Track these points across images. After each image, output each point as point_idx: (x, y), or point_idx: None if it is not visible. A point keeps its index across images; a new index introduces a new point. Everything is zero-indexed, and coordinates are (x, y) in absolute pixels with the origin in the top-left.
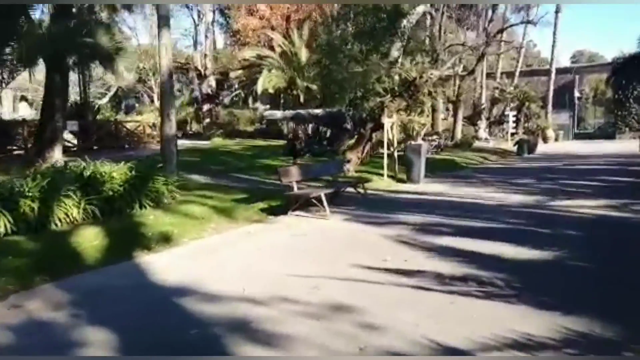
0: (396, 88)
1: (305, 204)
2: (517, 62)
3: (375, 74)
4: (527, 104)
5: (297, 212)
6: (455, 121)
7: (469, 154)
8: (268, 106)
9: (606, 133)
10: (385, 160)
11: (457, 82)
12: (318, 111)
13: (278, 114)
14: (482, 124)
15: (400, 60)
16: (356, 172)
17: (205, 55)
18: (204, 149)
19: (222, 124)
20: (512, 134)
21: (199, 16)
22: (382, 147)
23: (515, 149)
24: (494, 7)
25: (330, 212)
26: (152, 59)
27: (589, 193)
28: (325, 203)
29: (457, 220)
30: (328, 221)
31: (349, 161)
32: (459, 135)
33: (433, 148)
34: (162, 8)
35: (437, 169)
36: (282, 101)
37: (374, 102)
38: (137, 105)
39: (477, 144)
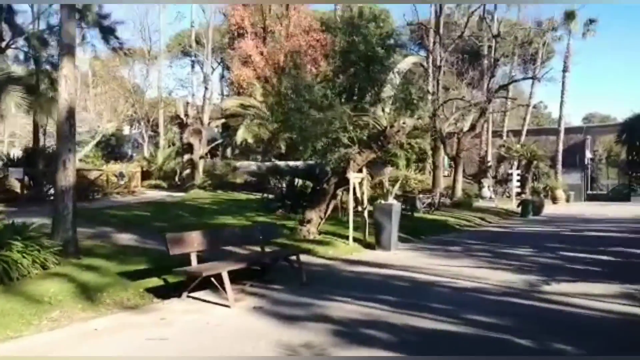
0: (364, 138)
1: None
2: (524, 120)
3: (340, 122)
4: (535, 162)
5: (197, 294)
6: (455, 179)
7: (467, 214)
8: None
9: (620, 195)
10: (351, 222)
11: (458, 138)
12: (298, 163)
13: (253, 165)
14: (486, 182)
15: (370, 108)
16: (320, 234)
17: (187, 103)
18: (168, 202)
19: (219, 176)
20: (518, 194)
21: (192, 66)
22: (358, 204)
23: (519, 210)
24: (496, 63)
25: (245, 294)
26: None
27: (598, 272)
28: (227, 285)
29: (405, 315)
30: (229, 311)
31: (308, 221)
32: (459, 193)
33: (425, 207)
34: (65, 35)
35: (424, 231)
36: (263, 153)
37: (338, 153)
38: (129, 152)
39: (479, 203)
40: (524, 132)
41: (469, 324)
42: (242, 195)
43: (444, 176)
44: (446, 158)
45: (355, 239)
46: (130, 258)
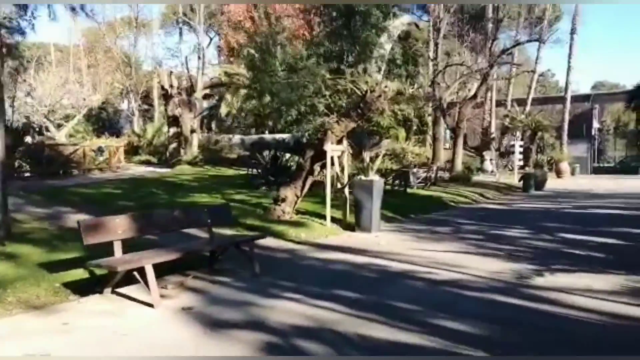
0: (343, 105)
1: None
2: (530, 88)
3: (314, 86)
4: (539, 133)
5: (125, 289)
6: (455, 151)
7: (465, 189)
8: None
9: (628, 167)
10: (329, 201)
11: (459, 107)
12: (285, 136)
13: (236, 138)
14: (488, 155)
15: (351, 70)
16: (297, 213)
17: (171, 72)
18: (147, 178)
19: (214, 151)
20: (521, 167)
21: (180, 34)
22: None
23: (521, 184)
24: (498, 25)
25: (181, 289)
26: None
27: (600, 259)
28: (151, 281)
29: (360, 319)
30: (151, 314)
31: (283, 200)
32: (459, 167)
33: (420, 182)
34: None
35: (414, 209)
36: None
37: (314, 123)
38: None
39: (480, 177)
40: (529, 101)
41: (435, 333)
42: (231, 171)
43: (445, 149)
44: (448, 130)
45: (335, 220)
46: (66, 244)
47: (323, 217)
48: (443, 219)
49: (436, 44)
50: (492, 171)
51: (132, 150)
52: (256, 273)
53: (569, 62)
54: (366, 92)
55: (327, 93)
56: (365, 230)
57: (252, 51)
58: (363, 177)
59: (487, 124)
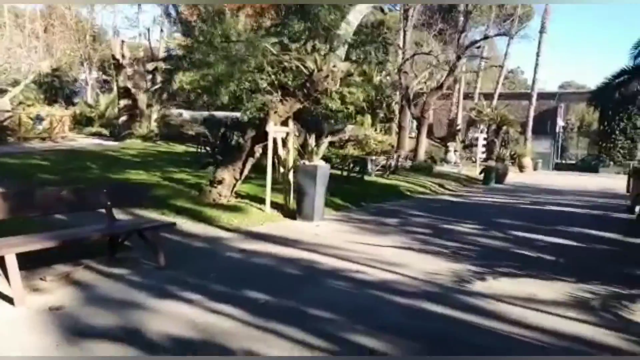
0: (289, 83)
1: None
2: (497, 82)
3: (256, 61)
4: (504, 128)
5: None
6: (418, 140)
7: (425, 179)
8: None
9: (589, 165)
10: (269, 186)
11: (425, 97)
12: (238, 114)
13: (186, 114)
14: (452, 146)
15: (294, 45)
16: (237, 196)
17: (123, 42)
18: (87, 151)
19: (174, 126)
20: (485, 160)
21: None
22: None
23: (482, 177)
24: (468, 17)
25: (64, 282)
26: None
27: (550, 263)
28: (13, 275)
29: (260, 330)
30: (9, 314)
31: (219, 182)
32: (422, 156)
33: (379, 169)
34: None
35: (367, 198)
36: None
37: (256, 101)
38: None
39: (443, 168)
40: (496, 96)
41: (342, 351)
42: (182, 148)
43: (411, 138)
44: (413, 119)
45: (277, 206)
46: None
47: (263, 203)
48: (395, 209)
49: (404, 32)
50: (455, 162)
51: (84, 122)
52: (161, 265)
53: (536, 59)
54: (313, 71)
55: (270, 69)
56: (307, 218)
57: (190, 19)
58: (307, 162)
59: (454, 116)
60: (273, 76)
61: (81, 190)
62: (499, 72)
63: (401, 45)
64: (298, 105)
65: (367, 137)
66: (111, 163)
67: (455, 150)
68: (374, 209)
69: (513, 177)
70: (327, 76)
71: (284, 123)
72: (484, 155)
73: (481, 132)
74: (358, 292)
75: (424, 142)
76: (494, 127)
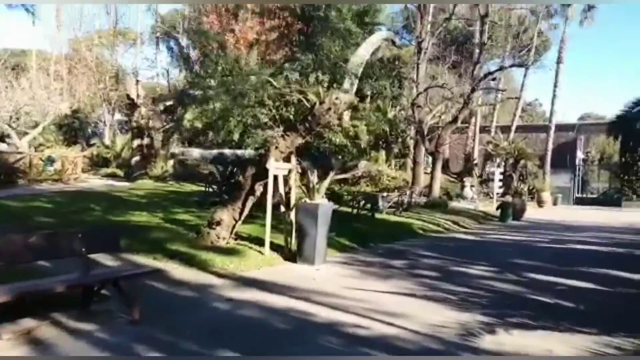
0: (292, 117)
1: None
2: (514, 115)
3: (256, 94)
4: (522, 161)
5: None
6: (432, 176)
7: (439, 216)
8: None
9: (611, 199)
10: (268, 226)
11: (439, 131)
12: (246, 152)
13: (195, 153)
14: (469, 181)
15: (294, 77)
16: (237, 238)
17: (137, 81)
18: (95, 192)
19: (191, 165)
20: (503, 195)
21: (157, 43)
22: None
23: (499, 212)
24: (482, 48)
25: (21, 340)
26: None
27: (569, 311)
28: None
29: None
30: None
31: (218, 223)
32: (436, 192)
33: (391, 206)
34: None
35: (376, 237)
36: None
37: (257, 136)
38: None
39: (459, 204)
40: (513, 129)
41: None
42: (193, 188)
43: (426, 173)
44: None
45: (278, 248)
46: None
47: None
48: (403, 250)
49: (417, 66)
50: (472, 198)
51: (101, 163)
52: (135, 319)
53: (554, 90)
54: (314, 104)
55: (271, 103)
56: (308, 261)
57: (193, 54)
58: (308, 200)
59: (470, 150)
60: (274, 110)
61: (53, 236)
62: (515, 105)
63: (415, 78)
64: (300, 140)
65: (380, 173)
66: (116, 204)
67: (472, 186)
68: (381, 250)
69: (531, 212)
70: (329, 109)
71: (287, 159)
72: (500, 190)
73: (497, 166)
74: (351, 350)
75: (439, 178)
76: (511, 161)
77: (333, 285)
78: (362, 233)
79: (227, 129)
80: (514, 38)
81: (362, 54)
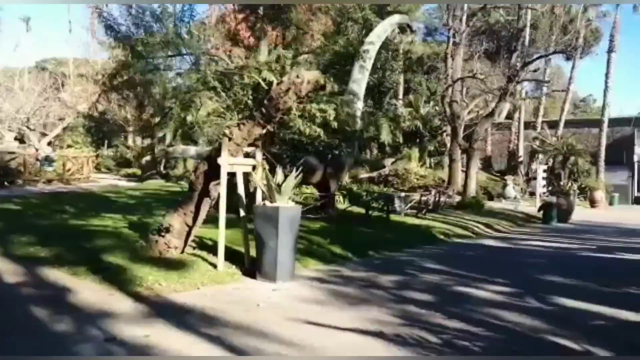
0: (249, 102)
1: None
2: (562, 109)
3: (198, 74)
4: (572, 158)
5: None
6: (467, 174)
7: (471, 218)
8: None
9: None
10: (222, 235)
11: (474, 125)
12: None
13: (191, 150)
14: (511, 179)
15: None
16: (195, 247)
17: None
18: (89, 192)
19: None
20: (552, 194)
21: None
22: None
23: (541, 214)
24: (519, 35)
25: None
26: None
27: None
28: None
29: None
30: None
31: (167, 230)
32: (472, 191)
33: (413, 207)
34: None
35: (380, 244)
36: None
37: (210, 128)
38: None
39: (499, 204)
40: (562, 124)
41: None
42: None
43: (462, 171)
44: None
45: (240, 260)
46: None
47: (235, 253)
48: (407, 261)
49: (446, 55)
50: (515, 197)
51: (123, 163)
52: None
53: (605, 82)
54: (271, 84)
55: (218, 85)
56: (268, 277)
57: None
58: (268, 203)
59: (514, 147)
60: (224, 94)
61: None
62: (564, 98)
63: (445, 69)
64: (259, 130)
65: (407, 171)
66: (94, 207)
67: (516, 184)
68: (379, 261)
69: (582, 213)
70: (288, 89)
71: (247, 154)
72: (544, 190)
73: (540, 162)
74: None
75: (474, 176)
76: (559, 158)
77: (278, 315)
78: (365, 239)
79: (175, 120)
80: (560, 30)
81: (373, 36)
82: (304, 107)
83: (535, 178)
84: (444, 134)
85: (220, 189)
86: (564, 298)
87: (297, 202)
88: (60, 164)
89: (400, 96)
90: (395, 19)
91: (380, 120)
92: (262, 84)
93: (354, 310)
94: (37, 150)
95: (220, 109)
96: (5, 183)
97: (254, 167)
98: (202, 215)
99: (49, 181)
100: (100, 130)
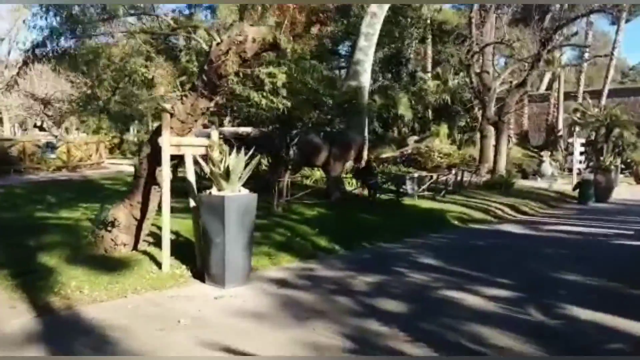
0: (194, 69)
1: None
2: (606, 77)
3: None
4: (616, 130)
5: None
6: (497, 150)
7: (497, 199)
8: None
9: None
10: (167, 231)
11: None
12: (248, 130)
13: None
14: (547, 155)
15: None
16: (151, 242)
17: None
18: (86, 179)
19: None
20: (592, 170)
21: None
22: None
23: (577, 192)
24: None
25: None
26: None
27: None
28: None
29: None
30: None
31: (113, 224)
32: (502, 169)
33: (422, 189)
34: None
35: (379, 232)
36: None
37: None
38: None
39: (534, 182)
40: (605, 93)
41: None
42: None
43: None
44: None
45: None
46: None
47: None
48: (400, 254)
49: (472, 19)
50: (552, 174)
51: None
52: None
53: None
54: (210, 46)
55: (147, 49)
56: (216, 281)
57: None
58: (214, 191)
59: (553, 120)
60: (161, 58)
61: None
62: (608, 64)
63: (473, 37)
64: (206, 103)
65: (429, 149)
66: (81, 195)
67: (555, 160)
68: (368, 254)
69: (625, 191)
70: (227, 51)
71: (190, 130)
72: (582, 166)
73: (577, 135)
74: None
75: (504, 153)
76: (602, 130)
77: (194, 337)
78: (362, 227)
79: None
80: None
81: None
82: (251, 73)
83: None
84: (477, 108)
85: (166, 173)
86: (578, 307)
87: (303, 185)
88: (65, 150)
89: (429, 69)
90: None
91: (399, 94)
92: (203, 45)
93: (298, 328)
94: (56, 137)
95: (158, 78)
96: (5, 171)
97: (208, 148)
98: (153, 205)
99: (58, 168)
100: (124, 115)
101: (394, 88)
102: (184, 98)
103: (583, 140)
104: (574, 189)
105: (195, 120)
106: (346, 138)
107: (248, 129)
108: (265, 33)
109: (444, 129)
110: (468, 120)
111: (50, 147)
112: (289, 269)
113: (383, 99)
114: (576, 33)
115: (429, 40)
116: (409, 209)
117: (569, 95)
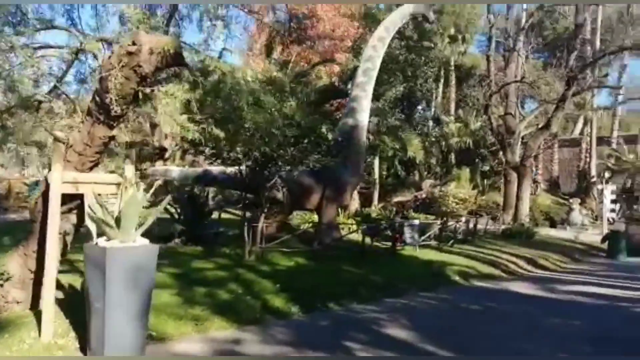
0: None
1: None
2: None
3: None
4: None
5: None
6: (517, 197)
7: (514, 251)
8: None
9: None
10: (51, 290)
11: (530, 139)
12: (219, 169)
13: (174, 172)
14: (577, 203)
15: None
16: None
17: None
18: None
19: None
20: (627, 219)
21: None
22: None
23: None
24: (578, 31)
25: None
26: None
27: None
28: None
29: None
30: None
31: (7, 279)
32: (523, 216)
33: (423, 238)
34: None
35: (359, 289)
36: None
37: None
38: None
39: (562, 232)
40: None
41: None
42: None
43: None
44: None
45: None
46: None
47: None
48: (368, 320)
49: (487, 58)
50: (582, 223)
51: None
52: None
53: None
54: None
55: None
56: (98, 354)
57: None
58: (100, 241)
59: (585, 166)
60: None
61: None
62: None
63: (491, 77)
64: (105, 131)
65: (444, 194)
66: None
67: (587, 208)
68: (326, 320)
69: None
70: (121, 63)
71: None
72: (614, 215)
73: (606, 182)
74: None
75: (526, 199)
76: (638, 178)
77: None
78: (338, 283)
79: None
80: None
81: (381, 30)
82: (151, 95)
83: (612, 202)
84: (501, 152)
85: (54, 218)
86: None
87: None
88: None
89: (452, 112)
90: (408, 9)
91: (410, 135)
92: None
93: None
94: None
95: (39, 99)
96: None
97: (119, 186)
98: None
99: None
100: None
101: (404, 129)
102: (80, 125)
103: (614, 188)
104: (602, 241)
105: (97, 152)
106: (341, 178)
107: (220, 168)
108: (166, 43)
109: (465, 173)
110: (493, 164)
111: (38, 185)
112: (213, 340)
113: (394, 140)
114: (607, 75)
115: (453, 82)
116: (405, 260)
117: (603, 140)
